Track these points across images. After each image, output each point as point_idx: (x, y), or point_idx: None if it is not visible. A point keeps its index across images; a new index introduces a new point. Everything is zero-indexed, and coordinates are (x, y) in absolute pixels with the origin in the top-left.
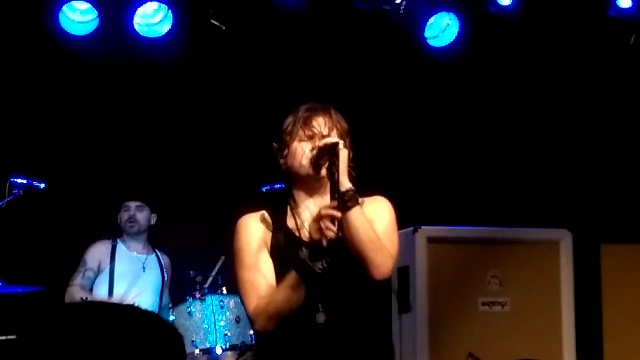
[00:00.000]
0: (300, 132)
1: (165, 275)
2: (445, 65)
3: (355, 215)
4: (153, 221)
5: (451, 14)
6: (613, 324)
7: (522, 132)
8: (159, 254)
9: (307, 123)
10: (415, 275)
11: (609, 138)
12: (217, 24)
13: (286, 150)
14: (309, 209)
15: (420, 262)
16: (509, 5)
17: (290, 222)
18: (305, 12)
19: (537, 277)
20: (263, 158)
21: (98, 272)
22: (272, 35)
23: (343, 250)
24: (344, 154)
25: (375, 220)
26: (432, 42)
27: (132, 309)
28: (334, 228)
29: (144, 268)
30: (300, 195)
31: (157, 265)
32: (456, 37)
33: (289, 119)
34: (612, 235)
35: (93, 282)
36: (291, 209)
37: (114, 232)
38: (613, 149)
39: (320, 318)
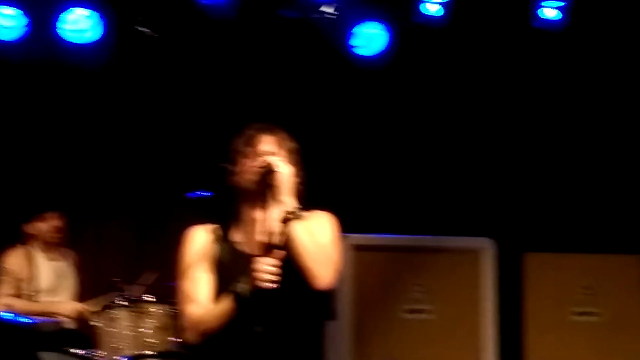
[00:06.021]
0: (246, 150)
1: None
2: (373, 74)
3: (296, 229)
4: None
5: (379, 24)
6: (535, 332)
7: (447, 141)
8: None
9: (252, 141)
10: (341, 282)
11: (533, 148)
12: (146, 30)
13: (234, 168)
14: (254, 223)
15: (346, 269)
16: (436, 15)
17: (237, 236)
18: (233, 19)
19: (459, 285)
20: (189, 165)
21: (18, 281)
22: (200, 41)
23: (284, 262)
24: (282, 174)
25: (317, 234)
26: (360, 51)
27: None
28: (268, 277)
29: (61, 277)
30: (245, 210)
31: (70, 269)
32: (383, 46)
33: (238, 139)
34: (536, 244)
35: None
36: (236, 223)
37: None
38: (537, 159)
39: (258, 327)
